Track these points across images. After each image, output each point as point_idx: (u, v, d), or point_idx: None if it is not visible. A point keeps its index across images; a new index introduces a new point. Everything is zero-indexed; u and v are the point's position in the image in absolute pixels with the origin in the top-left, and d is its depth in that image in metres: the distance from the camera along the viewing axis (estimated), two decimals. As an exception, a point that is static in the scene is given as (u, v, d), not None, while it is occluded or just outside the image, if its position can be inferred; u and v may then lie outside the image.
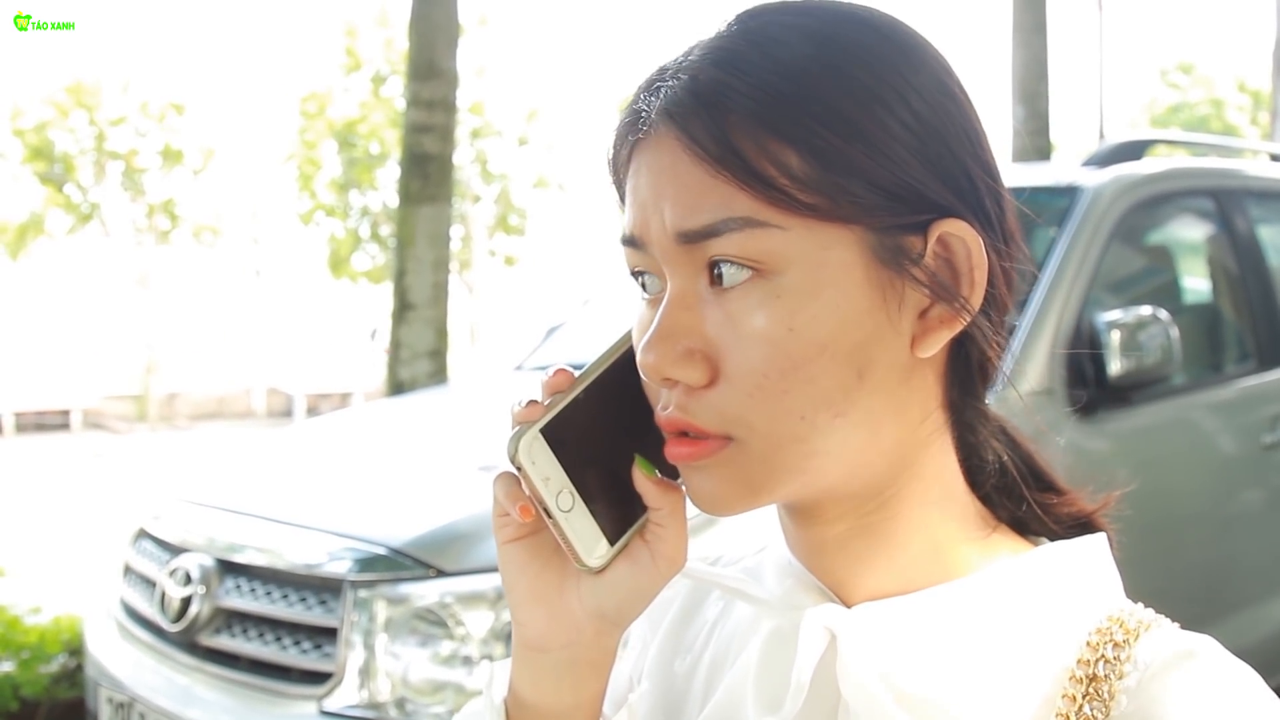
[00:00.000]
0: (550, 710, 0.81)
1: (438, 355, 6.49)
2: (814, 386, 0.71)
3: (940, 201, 0.72)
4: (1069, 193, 3.56)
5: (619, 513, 0.76)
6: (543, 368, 4.10)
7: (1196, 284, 4.33)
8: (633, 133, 0.76)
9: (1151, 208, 3.82)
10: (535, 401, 0.75)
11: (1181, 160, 4.41)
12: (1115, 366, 3.19)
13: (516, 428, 0.74)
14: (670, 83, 0.73)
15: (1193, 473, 3.68)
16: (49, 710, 4.20)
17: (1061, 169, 4.04)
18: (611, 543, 0.76)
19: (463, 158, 25.29)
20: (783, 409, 0.71)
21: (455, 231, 20.81)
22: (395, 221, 6.97)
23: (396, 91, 25.05)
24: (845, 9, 0.75)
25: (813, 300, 0.70)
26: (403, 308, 6.46)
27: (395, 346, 6.48)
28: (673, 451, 0.75)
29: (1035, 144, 8.39)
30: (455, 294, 8.08)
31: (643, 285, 0.78)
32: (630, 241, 0.77)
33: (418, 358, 6.40)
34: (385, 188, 25.67)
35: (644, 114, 0.75)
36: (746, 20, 0.74)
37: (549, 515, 0.74)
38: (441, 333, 6.54)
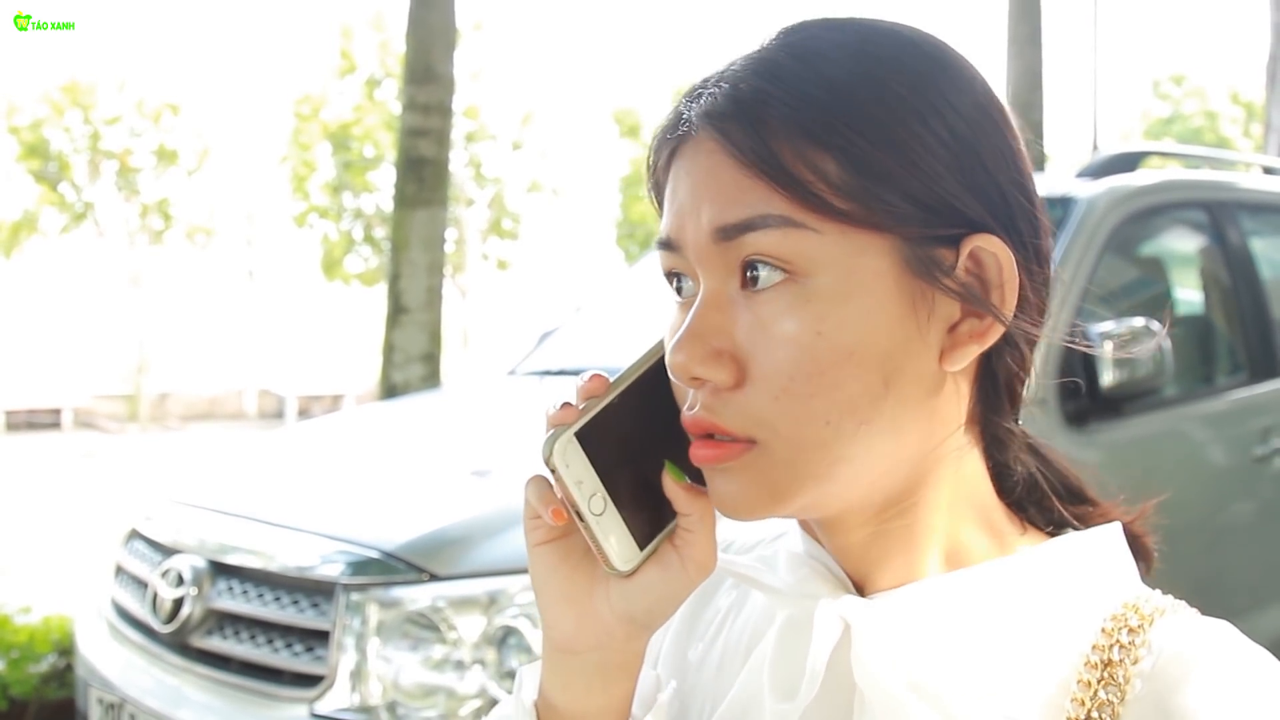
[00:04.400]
0: (580, 712, 0.82)
1: (431, 359, 6.49)
2: (840, 392, 0.71)
3: (973, 216, 0.73)
4: (1063, 204, 3.57)
5: (648, 517, 0.77)
6: (536, 373, 4.11)
7: (1189, 295, 4.34)
8: (673, 137, 0.77)
9: (1145, 219, 3.83)
10: (570, 404, 0.76)
11: (1175, 172, 4.42)
12: (1108, 377, 3.20)
13: (551, 430, 0.74)
14: (712, 90, 0.75)
15: (1184, 484, 3.68)
16: (38, 710, 4.19)
17: (1056, 180, 4.05)
18: (641, 547, 0.76)
19: (457, 162, 25.28)
20: (807, 413, 0.71)
21: (449, 235, 20.80)
22: (390, 225, 6.97)
23: (391, 95, 25.06)
24: (887, 26, 0.76)
25: (843, 305, 0.71)
26: (396, 311, 6.47)
27: (388, 350, 6.48)
28: (697, 454, 0.75)
29: (1029, 154, 8.41)
30: (448, 298, 8.08)
31: (677, 289, 0.79)
32: (666, 244, 0.78)
33: (411, 361, 6.41)
34: (379, 191, 25.67)
35: (684, 119, 0.76)
36: (789, 35, 0.76)
37: (581, 519, 0.74)
38: (435, 336, 6.55)
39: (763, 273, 0.72)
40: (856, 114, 0.71)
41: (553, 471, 0.73)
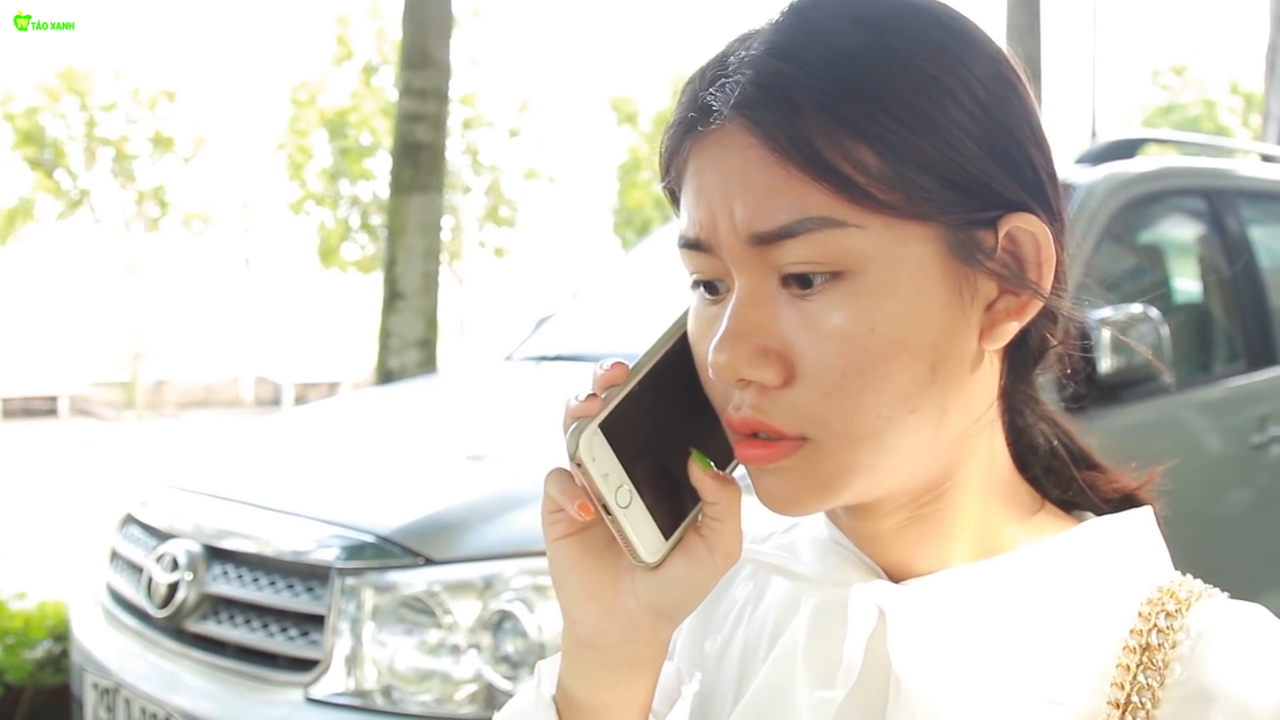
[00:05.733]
0: (602, 707, 0.80)
1: (427, 345, 6.48)
2: (892, 384, 0.70)
3: (1008, 195, 0.72)
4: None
5: (671, 506, 0.75)
6: (532, 358, 4.10)
7: (1187, 283, 4.33)
8: (700, 127, 0.73)
9: (1143, 206, 3.82)
10: (594, 395, 0.73)
11: (1173, 159, 4.41)
12: (1105, 364, 3.20)
13: (575, 423, 0.72)
14: (734, 77, 0.71)
15: (1181, 472, 3.66)
16: (33, 696, 4.19)
17: (1054, 166, 4.03)
18: (666, 537, 0.74)
19: (454, 149, 25.26)
20: (860, 408, 0.70)
21: (445, 222, 20.78)
22: (386, 210, 6.96)
23: (387, 81, 25.04)
24: None
25: (892, 298, 0.69)
26: (393, 297, 6.46)
27: (385, 336, 6.48)
28: (745, 454, 0.73)
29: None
30: (445, 284, 8.07)
31: (707, 289, 0.76)
32: (693, 244, 0.74)
33: (407, 347, 6.40)
34: (375, 178, 25.65)
35: (711, 109, 0.72)
36: (800, 11, 0.73)
37: (608, 512, 0.72)
38: (431, 322, 6.54)
39: (810, 279, 0.70)
40: (888, 97, 0.68)
41: (578, 465, 0.71)
